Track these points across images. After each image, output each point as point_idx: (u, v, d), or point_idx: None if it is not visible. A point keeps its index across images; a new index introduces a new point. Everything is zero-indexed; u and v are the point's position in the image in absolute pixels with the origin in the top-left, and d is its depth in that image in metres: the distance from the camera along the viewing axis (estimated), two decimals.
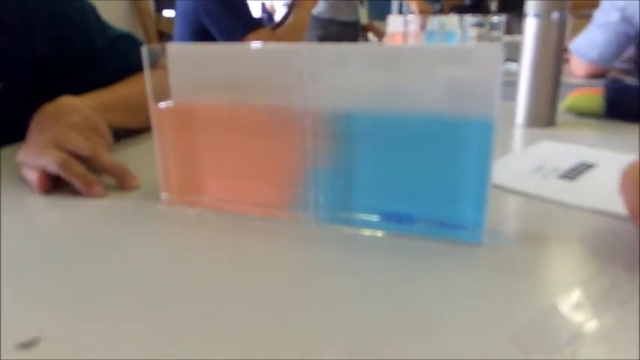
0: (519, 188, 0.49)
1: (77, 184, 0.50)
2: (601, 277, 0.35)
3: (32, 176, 0.51)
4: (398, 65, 0.38)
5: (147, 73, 0.45)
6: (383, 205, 0.41)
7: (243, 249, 0.40)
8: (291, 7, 1.75)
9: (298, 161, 0.42)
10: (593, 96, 0.81)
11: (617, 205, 0.38)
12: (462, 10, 2.73)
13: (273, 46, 0.42)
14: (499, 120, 0.35)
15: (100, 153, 0.52)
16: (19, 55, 0.69)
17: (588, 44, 1.30)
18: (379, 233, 0.41)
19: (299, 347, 0.28)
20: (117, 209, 0.48)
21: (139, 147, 0.67)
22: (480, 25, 1.44)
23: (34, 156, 0.51)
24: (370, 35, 2.67)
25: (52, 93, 0.58)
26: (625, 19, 1.21)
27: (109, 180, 0.52)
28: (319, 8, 2.34)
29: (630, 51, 1.28)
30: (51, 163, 0.49)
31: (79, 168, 0.50)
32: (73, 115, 0.54)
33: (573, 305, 0.31)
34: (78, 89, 0.62)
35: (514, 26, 1.81)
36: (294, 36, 1.68)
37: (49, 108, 0.56)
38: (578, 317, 0.30)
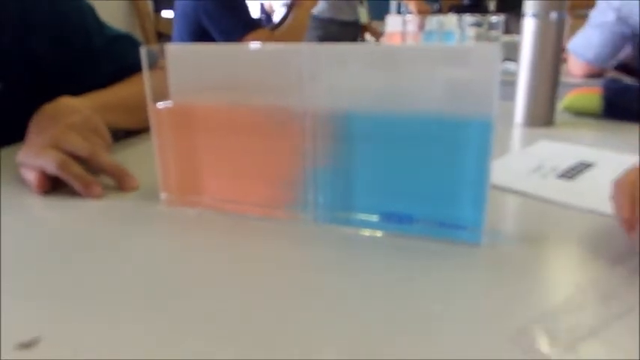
0: (518, 188, 0.50)
1: (75, 184, 0.50)
2: (600, 277, 0.35)
3: (31, 177, 0.51)
4: (397, 65, 0.38)
5: (146, 73, 0.45)
6: (382, 205, 0.41)
7: (243, 249, 0.40)
8: (290, 7, 1.75)
9: (297, 161, 0.42)
10: (591, 95, 0.81)
11: None
12: (460, 9, 2.73)
13: (272, 46, 0.42)
14: (498, 120, 0.35)
15: (98, 153, 0.52)
16: (18, 55, 0.69)
17: (584, 44, 1.30)
18: (378, 233, 0.41)
19: (299, 347, 0.28)
20: (116, 210, 0.48)
21: (138, 147, 0.67)
22: (478, 24, 1.44)
23: (32, 156, 0.51)
24: (367, 35, 2.67)
25: (50, 93, 0.58)
26: (620, 19, 1.22)
27: (108, 180, 0.52)
28: (319, 8, 2.34)
29: (627, 51, 1.28)
30: (49, 163, 0.49)
31: (77, 169, 0.50)
32: (72, 116, 0.54)
33: (573, 305, 0.31)
34: (77, 90, 0.62)
35: (512, 26, 1.81)
36: (293, 36, 1.68)
37: (48, 108, 0.56)
38: (578, 317, 0.30)
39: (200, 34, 1.57)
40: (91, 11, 0.76)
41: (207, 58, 0.44)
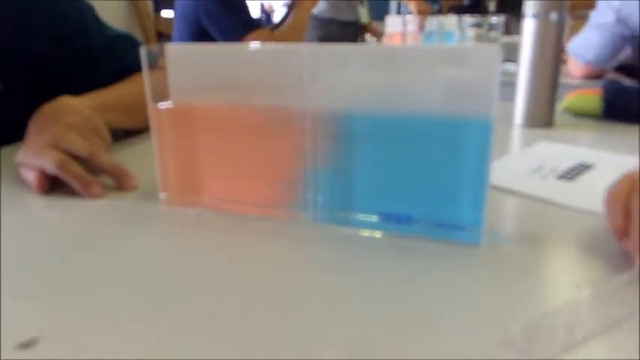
0: (518, 189, 0.50)
1: (75, 184, 0.50)
2: (599, 278, 0.35)
3: (31, 176, 0.51)
4: (397, 66, 0.38)
5: (146, 73, 0.45)
6: (382, 205, 0.41)
7: (243, 249, 0.40)
8: (290, 7, 1.75)
9: (297, 161, 0.42)
10: (591, 97, 0.81)
11: None
12: (460, 10, 2.73)
13: (272, 46, 0.42)
14: (497, 120, 0.35)
15: (98, 153, 0.52)
16: (18, 55, 0.69)
17: (584, 45, 1.29)
18: (378, 234, 0.41)
19: (299, 347, 0.28)
20: (115, 210, 0.48)
21: (138, 147, 0.67)
22: (478, 25, 1.44)
23: (32, 156, 0.51)
24: (368, 36, 2.67)
25: (50, 93, 0.58)
26: (620, 20, 1.21)
27: (108, 180, 0.52)
28: (319, 8, 2.34)
29: (626, 52, 1.28)
30: (49, 163, 0.49)
31: (76, 169, 0.50)
32: (71, 116, 0.54)
33: (572, 305, 0.31)
34: (76, 89, 0.62)
35: (512, 27, 1.81)
36: (293, 36, 1.68)
37: (48, 108, 0.56)
38: (577, 317, 0.30)
39: (200, 34, 1.57)
40: (91, 11, 0.76)
41: (207, 58, 0.44)
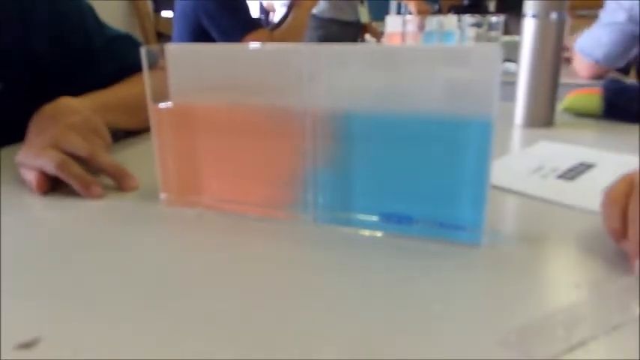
0: (518, 189, 0.50)
1: (75, 185, 0.50)
2: (600, 278, 0.35)
3: (31, 177, 0.51)
4: (397, 65, 0.38)
5: (146, 73, 0.45)
6: (382, 205, 0.41)
7: (243, 249, 0.40)
8: (290, 7, 1.75)
9: (297, 161, 0.42)
10: (591, 96, 0.81)
11: None
12: (460, 10, 2.73)
13: (272, 46, 0.42)
14: (497, 120, 0.35)
15: (98, 154, 0.52)
16: (18, 55, 0.69)
17: (593, 44, 1.28)
18: (378, 234, 0.41)
19: (299, 347, 0.28)
20: (116, 210, 0.48)
21: (138, 148, 0.67)
22: (478, 25, 1.44)
23: (32, 157, 0.51)
24: (367, 36, 2.66)
25: (50, 93, 0.58)
26: (632, 19, 1.21)
27: (108, 181, 0.52)
28: (320, 8, 2.34)
29: (635, 51, 1.27)
30: (49, 163, 0.49)
31: (76, 169, 0.50)
32: (71, 116, 0.54)
33: (572, 305, 0.31)
34: (76, 90, 0.62)
35: (512, 26, 1.81)
36: (293, 36, 1.68)
37: (48, 108, 0.56)
38: (577, 317, 0.30)
39: (200, 34, 1.57)
40: (91, 11, 0.76)
41: (207, 58, 0.44)
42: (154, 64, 0.45)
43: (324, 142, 0.41)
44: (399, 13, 3.15)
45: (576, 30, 1.34)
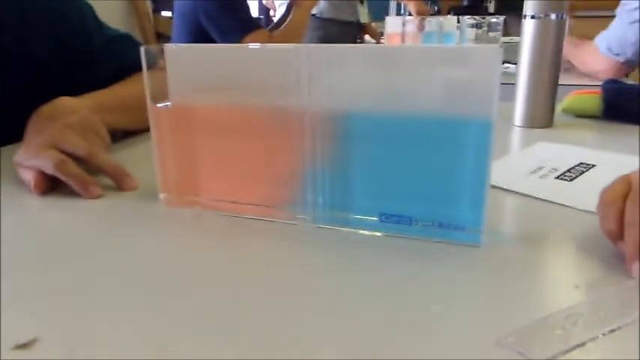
0: (517, 189, 0.50)
1: (74, 184, 0.50)
2: (599, 278, 0.35)
3: (29, 177, 0.51)
4: (396, 66, 0.38)
5: (145, 73, 0.45)
6: (381, 205, 0.41)
7: (242, 249, 0.40)
8: (289, 7, 1.75)
9: (297, 162, 0.42)
10: (590, 97, 0.81)
11: None
12: (459, 11, 2.73)
13: (271, 46, 0.42)
14: (497, 120, 0.35)
15: (97, 153, 0.52)
16: (17, 55, 0.69)
17: (621, 43, 1.26)
18: (378, 234, 0.41)
19: (299, 347, 0.28)
20: (115, 210, 0.48)
21: (137, 148, 0.67)
22: (478, 26, 1.44)
23: (30, 156, 0.51)
24: (367, 37, 2.66)
25: (50, 93, 0.58)
26: None
27: (107, 181, 0.52)
28: (319, 8, 2.34)
29: None
30: (47, 163, 0.49)
31: (75, 169, 0.50)
32: (70, 116, 0.54)
33: (571, 306, 0.31)
34: (75, 89, 0.62)
35: (512, 27, 1.81)
36: (292, 36, 1.68)
37: (47, 108, 0.56)
38: (577, 318, 0.30)
39: (199, 34, 1.57)
40: (90, 11, 0.76)
41: (206, 58, 0.44)
42: (153, 64, 0.45)
43: (323, 142, 0.41)
44: (398, 13, 3.15)
45: (576, 31, 1.33)
